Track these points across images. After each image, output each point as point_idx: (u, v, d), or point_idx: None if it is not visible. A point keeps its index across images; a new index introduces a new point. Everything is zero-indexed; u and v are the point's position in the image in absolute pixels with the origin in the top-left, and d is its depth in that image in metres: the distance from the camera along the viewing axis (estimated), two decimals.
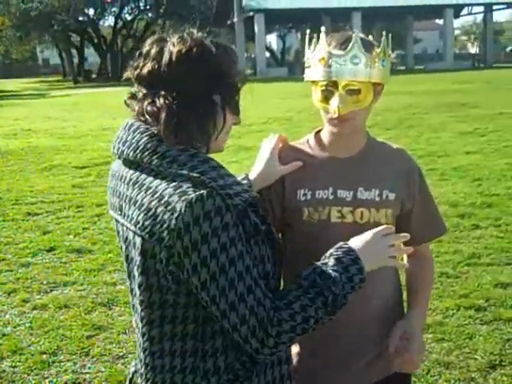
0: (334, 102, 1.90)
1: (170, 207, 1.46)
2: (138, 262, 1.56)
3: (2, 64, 69.44)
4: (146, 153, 1.54)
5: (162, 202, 1.48)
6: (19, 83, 52.31)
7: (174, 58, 1.54)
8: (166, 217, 1.46)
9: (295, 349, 2.10)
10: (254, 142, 10.53)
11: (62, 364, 4.14)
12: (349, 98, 1.89)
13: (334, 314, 1.57)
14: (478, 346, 4.12)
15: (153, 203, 1.49)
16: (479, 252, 5.88)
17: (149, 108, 1.56)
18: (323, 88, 1.93)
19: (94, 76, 56.59)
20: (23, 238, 6.96)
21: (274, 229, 1.68)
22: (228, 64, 1.60)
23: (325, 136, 2.07)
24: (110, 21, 60.00)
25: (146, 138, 1.56)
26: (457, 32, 77.84)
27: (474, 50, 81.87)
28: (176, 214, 1.44)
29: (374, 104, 2.00)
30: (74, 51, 59.68)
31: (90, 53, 63.71)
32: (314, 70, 1.94)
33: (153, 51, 1.58)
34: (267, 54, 54.63)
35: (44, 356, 4.24)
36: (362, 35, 1.95)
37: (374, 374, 2.10)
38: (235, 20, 47.06)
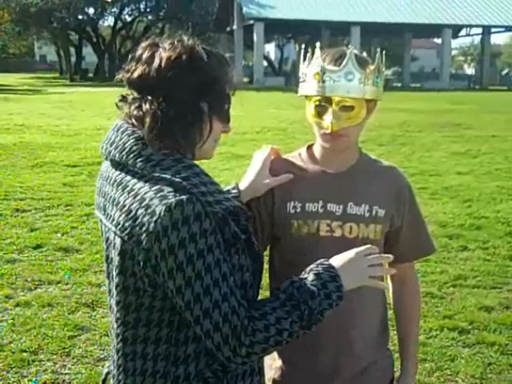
0: (328, 117, 1.90)
1: (149, 210, 1.47)
2: (116, 263, 1.57)
3: None
4: (132, 155, 1.56)
5: (143, 204, 1.49)
6: (15, 78, 52.19)
7: (163, 64, 1.55)
8: (145, 219, 1.47)
9: (276, 362, 2.09)
10: (247, 151, 10.52)
11: (42, 363, 4.12)
12: (342, 114, 1.90)
13: (310, 329, 1.57)
14: (459, 368, 4.12)
15: (134, 205, 1.51)
16: (465, 274, 5.89)
17: (135, 112, 1.59)
18: (317, 103, 1.94)
19: (90, 75, 56.58)
20: (10, 233, 6.93)
21: (254, 239, 1.68)
22: (218, 72, 1.61)
23: (317, 150, 2.08)
24: (109, 21, 60.00)
25: (132, 141, 1.58)
26: (454, 52, 78.26)
27: (470, 70, 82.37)
28: (155, 218, 1.46)
29: (367, 120, 2.01)
30: (72, 49, 59.66)
31: (88, 52, 63.66)
32: (308, 85, 1.95)
33: (144, 56, 1.60)
34: (265, 63, 54.65)
35: (24, 354, 4.21)
36: (356, 51, 1.95)
37: None
38: (235, 27, 47.17)
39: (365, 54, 2.01)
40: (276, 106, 23.71)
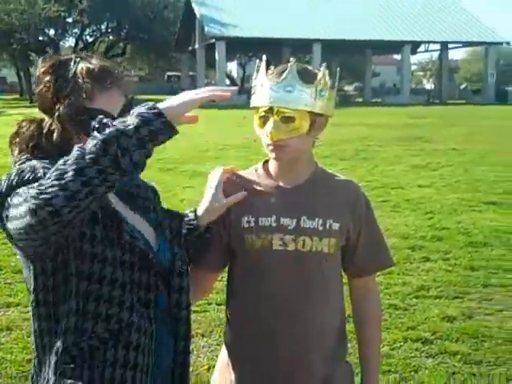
0: (268, 127, 1.95)
1: None
2: None
3: None
4: None
5: None
6: None
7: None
8: None
9: (231, 374, 2.08)
10: (210, 169, 10.49)
11: None
12: (283, 125, 1.93)
13: (121, 163, 1.50)
14: (423, 378, 4.13)
15: None
16: (428, 285, 5.93)
17: None
18: (261, 114, 1.98)
19: None
20: None
21: (127, 234, 1.77)
22: (75, 85, 1.73)
23: (271, 165, 2.11)
24: (70, 41, 59.58)
25: None
26: (413, 67, 79.34)
27: (429, 85, 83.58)
28: None
29: (317, 134, 2.02)
30: (32, 70, 59.11)
31: None
32: (255, 96, 2.01)
33: None
34: (227, 82, 54.77)
35: None
36: (304, 66, 2.03)
37: None
38: (196, 46, 47.25)
39: (324, 69, 1.99)
40: (239, 124, 23.69)
